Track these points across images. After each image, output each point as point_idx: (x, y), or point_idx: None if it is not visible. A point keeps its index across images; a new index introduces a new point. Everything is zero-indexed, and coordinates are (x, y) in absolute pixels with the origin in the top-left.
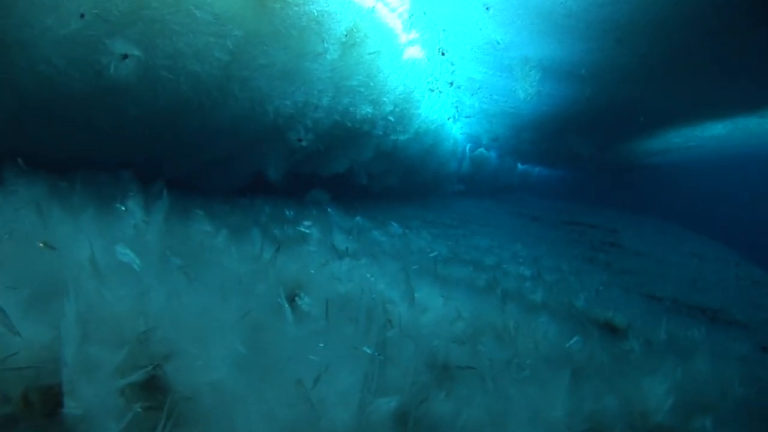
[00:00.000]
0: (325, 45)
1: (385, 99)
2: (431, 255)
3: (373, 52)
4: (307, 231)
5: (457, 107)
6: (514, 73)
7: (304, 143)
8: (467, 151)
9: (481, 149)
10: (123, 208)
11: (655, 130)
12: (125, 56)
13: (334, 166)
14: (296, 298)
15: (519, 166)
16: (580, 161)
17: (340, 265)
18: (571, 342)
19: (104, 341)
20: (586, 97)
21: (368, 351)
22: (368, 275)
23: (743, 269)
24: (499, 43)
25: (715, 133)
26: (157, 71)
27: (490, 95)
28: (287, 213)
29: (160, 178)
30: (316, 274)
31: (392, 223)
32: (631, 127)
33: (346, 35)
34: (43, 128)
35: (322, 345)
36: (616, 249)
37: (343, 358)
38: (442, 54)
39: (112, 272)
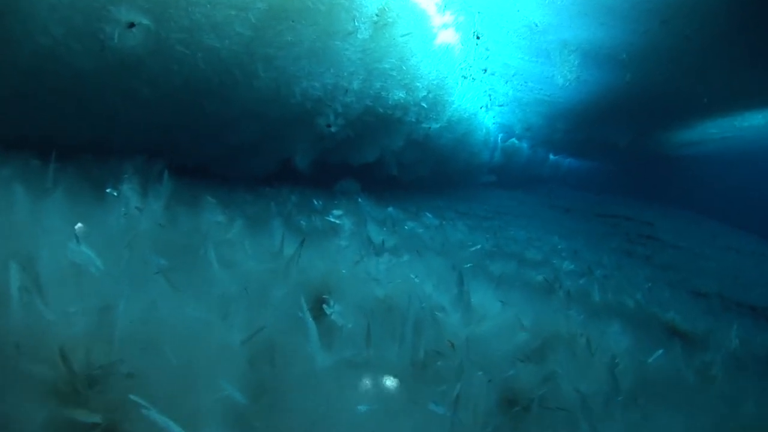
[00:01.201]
0: (356, 24)
1: (418, 84)
2: (473, 249)
3: (406, 34)
4: (338, 222)
5: (490, 95)
6: (552, 58)
7: (333, 129)
8: (499, 141)
9: (513, 139)
10: (115, 194)
11: (692, 119)
12: (131, 25)
13: (365, 155)
14: (324, 306)
15: (551, 157)
16: (613, 152)
17: (377, 263)
18: (654, 357)
19: (29, 388)
20: (625, 82)
21: (438, 410)
22: (412, 275)
23: None
24: (537, 26)
25: (754, 123)
26: (171, 46)
27: (525, 82)
28: (315, 203)
29: (177, 164)
30: (349, 274)
31: (426, 213)
32: (669, 115)
33: (378, 14)
34: (45, 108)
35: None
36: (652, 242)
37: (392, 413)
38: (477, 38)
39: (64, 278)
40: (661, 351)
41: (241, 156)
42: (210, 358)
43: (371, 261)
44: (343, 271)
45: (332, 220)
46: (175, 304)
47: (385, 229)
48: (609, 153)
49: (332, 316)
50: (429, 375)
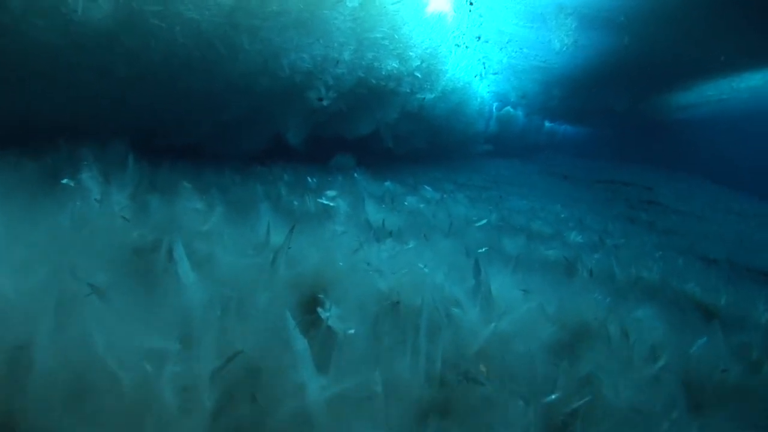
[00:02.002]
0: None
1: (411, 53)
2: (479, 224)
3: (397, 2)
4: (332, 204)
5: (484, 63)
6: (548, 23)
7: (325, 103)
8: (494, 109)
9: (508, 108)
10: (72, 184)
11: (689, 82)
12: None
13: (359, 128)
14: (319, 309)
15: (546, 124)
16: (610, 117)
17: (378, 250)
18: (696, 347)
19: None
20: (623, 46)
21: None
22: (420, 264)
23: None
24: None
25: (752, 84)
26: (146, 19)
27: (520, 49)
28: (309, 180)
29: (162, 145)
30: (347, 266)
31: (425, 187)
32: (667, 78)
33: None
34: (10, 90)
35: None
36: (654, 207)
37: None
38: (471, 4)
39: None
40: (704, 339)
41: (230, 134)
42: (165, 407)
43: (372, 248)
44: (340, 264)
45: (326, 202)
46: (119, 334)
47: (384, 206)
48: (605, 119)
49: (329, 321)
50: (450, 397)
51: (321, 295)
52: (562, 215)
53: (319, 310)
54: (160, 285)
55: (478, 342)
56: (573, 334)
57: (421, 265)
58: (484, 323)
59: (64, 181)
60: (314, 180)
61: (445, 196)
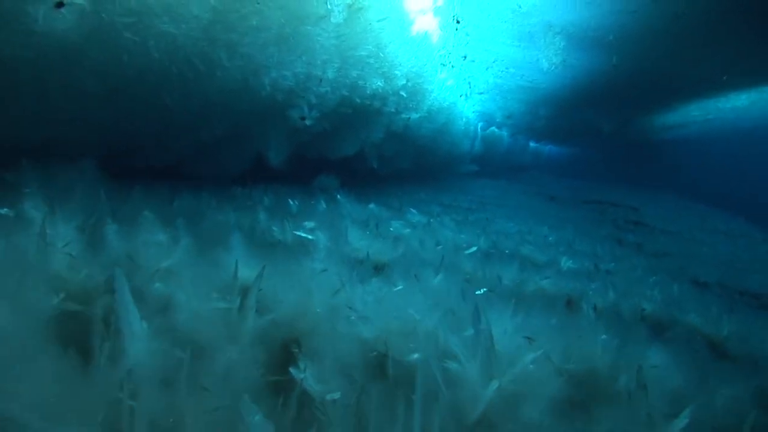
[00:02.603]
0: (329, 6)
1: (396, 72)
2: (469, 252)
3: (382, 19)
4: (310, 237)
5: (469, 83)
6: (536, 42)
7: (308, 122)
8: (479, 129)
9: (493, 128)
10: (11, 214)
11: (676, 102)
12: (60, 4)
13: (343, 148)
14: (292, 369)
15: (531, 144)
16: (595, 138)
17: (362, 292)
18: (719, 398)
19: None
20: (612, 66)
21: None
22: (410, 310)
23: None
24: (520, 8)
25: (738, 104)
26: (117, 32)
27: (506, 68)
28: (291, 203)
29: (136, 166)
30: (326, 311)
31: (411, 209)
32: (655, 99)
33: None
34: None
35: None
36: (641, 228)
37: None
38: (458, 22)
39: None
40: (728, 392)
41: (208, 154)
42: None
43: (355, 290)
44: (318, 309)
45: (303, 234)
46: (36, 416)
47: (368, 232)
48: (591, 139)
49: (305, 384)
50: None
51: (295, 350)
52: (551, 238)
53: (292, 370)
54: (101, 345)
55: (480, 407)
56: (584, 388)
57: (412, 311)
58: (485, 381)
59: (2, 211)
60: (296, 203)
61: (432, 220)
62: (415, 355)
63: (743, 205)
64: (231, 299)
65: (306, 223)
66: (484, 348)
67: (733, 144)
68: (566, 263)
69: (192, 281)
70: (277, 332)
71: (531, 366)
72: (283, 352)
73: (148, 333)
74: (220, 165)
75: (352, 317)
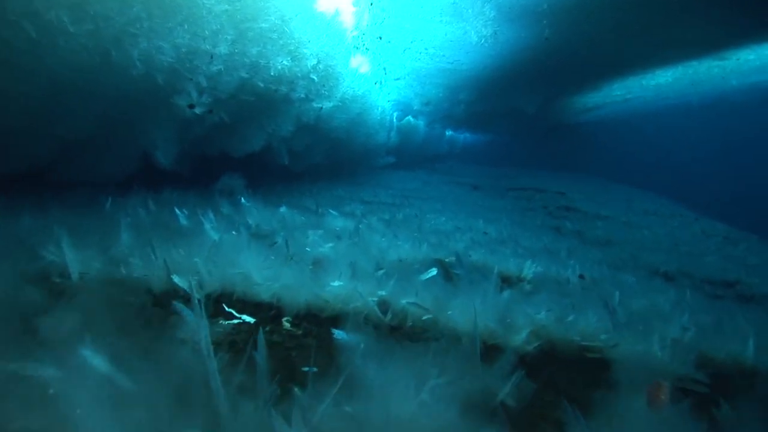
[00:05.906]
0: None
1: (305, 51)
2: (426, 278)
3: None
4: (180, 285)
5: (385, 69)
6: (463, 13)
7: (198, 110)
8: (395, 119)
9: (409, 117)
10: None
11: (602, 80)
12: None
13: (247, 143)
14: None
15: (447, 132)
16: (515, 123)
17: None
18: None
19: None
20: (543, 39)
21: None
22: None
23: (704, 224)
24: None
25: (662, 81)
26: None
27: (426, 49)
28: (178, 214)
29: None
30: None
31: (330, 211)
32: (581, 77)
33: None
34: None
35: None
36: (574, 214)
37: None
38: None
39: None
40: None
41: (76, 155)
42: None
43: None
44: None
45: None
46: None
47: (273, 258)
48: (509, 125)
49: None
50: None
51: None
52: (493, 234)
53: None
54: None
55: None
56: None
57: None
58: None
59: None
60: (184, 213)
61: (359, 225)
62: None
63: (666, 184)
64: None
65: (174, 276)
66: None
67: (652, 122)
68: (529, 270)
69: None
70: None
71: None
72: None
73: None
74: (92, 169)
75: None
